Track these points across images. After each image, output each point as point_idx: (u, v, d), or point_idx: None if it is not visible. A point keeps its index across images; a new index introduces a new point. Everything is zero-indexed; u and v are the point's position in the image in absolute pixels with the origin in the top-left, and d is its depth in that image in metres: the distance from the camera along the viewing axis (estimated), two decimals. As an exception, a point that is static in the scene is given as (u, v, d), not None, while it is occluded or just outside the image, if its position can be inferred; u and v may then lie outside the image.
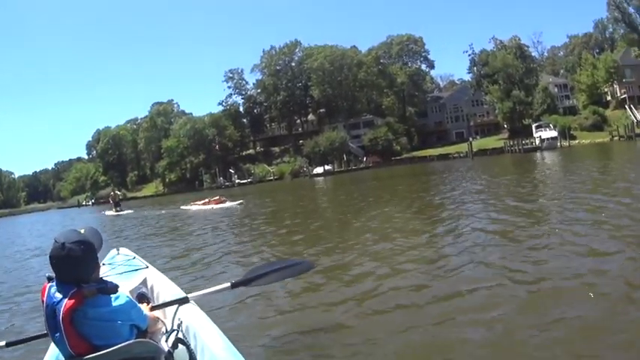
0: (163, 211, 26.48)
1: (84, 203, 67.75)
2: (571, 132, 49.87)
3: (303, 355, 3.81)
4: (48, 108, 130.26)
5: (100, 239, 2.39)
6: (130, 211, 29.65)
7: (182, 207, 25.49)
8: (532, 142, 47.11)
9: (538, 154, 37.76)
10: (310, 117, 64.96)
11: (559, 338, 3.32)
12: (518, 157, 36.00)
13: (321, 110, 63.72)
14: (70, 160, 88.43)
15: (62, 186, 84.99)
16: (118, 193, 39.63)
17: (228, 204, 22.44)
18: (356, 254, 7.02)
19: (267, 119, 65.24)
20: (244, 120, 65.45)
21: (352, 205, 15.41)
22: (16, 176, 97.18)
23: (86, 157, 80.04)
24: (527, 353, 3.21)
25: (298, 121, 65.27)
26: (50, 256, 2.04)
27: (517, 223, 7.55)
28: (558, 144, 45.67)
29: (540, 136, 47.36)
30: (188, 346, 2.66)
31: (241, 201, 22.67)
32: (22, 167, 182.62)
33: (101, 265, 2.86)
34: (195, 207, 23.88)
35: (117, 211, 29.73)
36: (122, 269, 4.17)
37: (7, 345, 2.91)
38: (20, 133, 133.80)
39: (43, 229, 26.60)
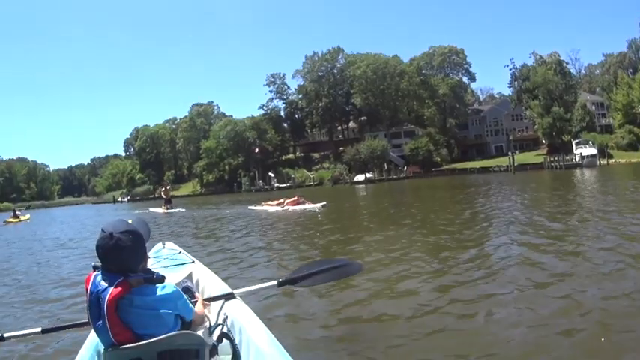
0: (228, 211, 24.51)
1: (119, 200, 67.11)
2: (608, 151, 48.55)
3: (346, 355, 3.77)
4: (87, 105, 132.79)
5: (148, 230, 2.38)
6: (181, 210, 27.49)
7: (250, 207, 23.02)
8: (572, 159, 45.57)
9: (578, 171, 36.54)
10: (351, 124, 63.66)
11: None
12: (559, 174, 34.54)
13: (363, 118, 62.36)
14: (106, 156, 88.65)
15: (97, 181, 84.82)
16: (170, 188, 35.48)
17: (308, 206, 19.83)
18: (410, 261, 6.98)
19: (308, 125, 63.93)
20: (285, 125, 64.42)
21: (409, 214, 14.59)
22: (52, 169, 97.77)
23: (123, 154, 79.71)
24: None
25: (339, 128, 64.02)
26: (97, 246, 2.00)
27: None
28: (598, 162, 44.29)
29: (581, 154, 45.92)
30: (232, 341, 2.63)
31: (324, 203, 19.85)
32: (58, 161, 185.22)
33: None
34: (268, 208, 21.38)
35: (167, 208, 27.37)
36: (167, 263, 4.11)
37: (43, 332, 2.89)
38: (58, 127, 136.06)
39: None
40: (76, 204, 78.04)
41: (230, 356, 2.64)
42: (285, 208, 20.30)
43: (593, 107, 63.56)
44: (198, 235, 14.52)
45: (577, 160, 44.80)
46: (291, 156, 63.47)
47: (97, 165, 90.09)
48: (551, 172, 41.87)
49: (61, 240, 16.56)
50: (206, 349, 2.16)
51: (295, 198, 20.84)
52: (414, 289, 5.39)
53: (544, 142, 60.40)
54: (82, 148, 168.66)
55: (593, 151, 45.66)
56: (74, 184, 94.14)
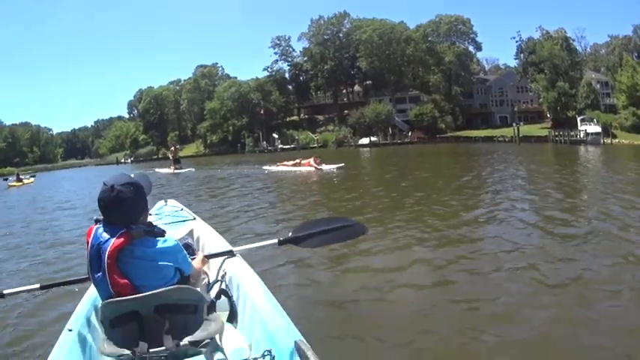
0: (238, 171, 23.91)
1: (122, 161, 66.78)
2: (612, 130, 47.49)
3: (342, 316, 3.91)
4: (90, 67, 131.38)
5: (150, 183, 2.36)
6: (190, 169, 26.89)
7: (265, 167, 22.71)
8: (576, 135, 44.67)
9: (582, 147, 36.20)
10: (356, 88, 63.09)
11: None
12: (563, 148, 34.66)
13: (368, 82, 61.73)
14: (110, 118, 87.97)
15: (101, 143, 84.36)
16: (179, 148, 34.65)
17: (324, 167, 19.66)
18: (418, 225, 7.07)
19: (313, 87, 63.19)
20: (289, 87, 63.84)
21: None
22: (55, 133, 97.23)
23: (127, 116, 78.97)
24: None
25: (344, 91, 63.49)
26: (99, 199, 1.99)
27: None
28: (602, 140, 43.46)
29: (586, 130, 44.91)
30: (230, 298, 2.67)
31: (342, 164, 19.62)
32: (61, 124, 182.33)
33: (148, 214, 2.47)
34: (284, 168, 21.18)
35: (176, 168, 26.65)
36: (169, 220, 4.10)
37: (42, 288, 2.95)
38: (62, 91, 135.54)
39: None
40: (79, 166, 77.67)
41: (227, 313, 2.65)
42: (302, 168, 20.11)
43: (598, 86, 62.81)
44: (207, 194, 14.34)
45: (581, 136, 43.94)
46: (295, 118, 62.99)
47: (101, 127, 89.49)
48: (556, 145, 41.83)
49: (62, 201, 16.82)
50: (204, 304, 2.12)
51: (312, 159, 20.57)
52: (417, 256, 5.45)
53: (548, 115, 59.89)
54: (86, 111, 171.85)
55: (598, 129, 44.97)
56: (77, 147, 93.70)
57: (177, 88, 71.21)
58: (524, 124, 60.25)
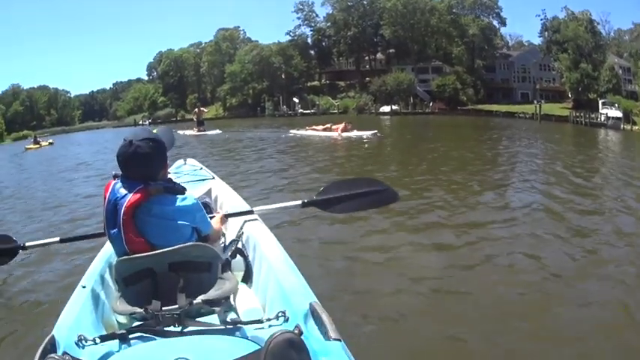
0: (264, 134, 23.57)
1: (140, 122, 66.32)
2: (632, 117, 46.96)
3: (358, 284, 3.89)
4: (110, 29, 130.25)
5: (172, 138, 2.53)
6: (216, 132, 26.10)
7: (293, 131, 22.24)
8: (597, 118, 43.93)
9: (602, 130, 35.96)
10: (379, 56, 62.14)
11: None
12: (584, 130, 34.84)
13: (391, 50, 60.78)
14: (129, 80, 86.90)
15: (119, 105, 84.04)
16: (204, 110, 32.63)
17: (356, 132, 19.17)
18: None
19: (335, 53, 62.14)
20: (311, 52, 63.09)
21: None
22: (73, 95, 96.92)
23: (146, 78, 78.42)
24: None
25: (366, 58, 62.47)
26: (118, 154, 1.96)
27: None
28: (622, 125, 42.19)
29: (607, 114, 44.07)
30: (246, 258, 2.65)
31: (375, 131, 19.03)
32: (79, 86, 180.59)
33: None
34: (313, 133, 20.60)
35: (200, 130, 25.74)
36: (188, 179, 4.04)
37: (61, 241, 3.09)
38: (80, 54, 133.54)
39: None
40: (97, 128, 77.74)
41: (242, 273, 2.62)
42: (331, 133, 19.57)
43: (620, 71, 61.45)
44: (234, 157, 14.15)
45: (602, 119, 43.17)
46: (316, 83, 62.25)
47: (119, 89, 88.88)
48: (576, 126, 41.54)
49: (81, 161, 17.17)
50: (219, 263, 2.09)
51: (343, 124, 19.96)
52: (438, 233, 5.33)
53: (570, 96, 59.09)
54: (105, 73, 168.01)
55: (619, 113, 43.92)
56: (95, 109, 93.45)
57: (198, 50, 70.38)
58: (545, 102, 59.60)
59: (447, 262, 4.41)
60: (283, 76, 58.71)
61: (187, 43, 74.66)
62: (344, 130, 19.42)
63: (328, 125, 20.64)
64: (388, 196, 3.26)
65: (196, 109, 29.58)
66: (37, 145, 30.56)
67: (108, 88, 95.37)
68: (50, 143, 33.11)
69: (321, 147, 16.18)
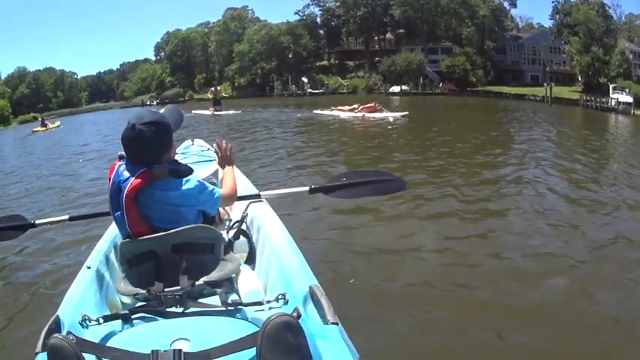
0: (286, 115, 22.57)
1: (148, 103, 65.84)
2: (643, 102, 46.71)
3: (362, 267, 3.83)
4: (115, 10, 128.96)
5: (180, 118, 2.40)
6: (233, 111, 24.98)
7: (316, 112, 21.31)
8: (608, 102, 42.63)
9: (613, 115, 35.05)
10: (388, 36, 61.39)
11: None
12: (593, 114, 34.31)
13: (400, 31, 59.97)
14: (136, 60, 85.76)
15: (126, 86, 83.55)
16: (220, 89, 31.46)
17: (385, 114, 18.22)
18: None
19: (344, 33, 61.37)
20: (320, 31, 62.33)
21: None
22: (79, 76, 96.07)
23: (153, 58, 77.27)
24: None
25: (376, 38, 61.83)
26: (121, 138, 1.95)
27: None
28: (632, 111, 41.08)
29: (617, 99, 42.96)
30: (250, 239, 2.64)
31: (406, 112, 18.12)
32: (86, 68, 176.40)
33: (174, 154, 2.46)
34: (339, 113, 19.57)
35: (216, 110, 24.71)
36: (195, 159, 4.09)
37: (71, 219, 3.23)
38: (87, 35, 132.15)
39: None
40: (104, 109, 77.29)
41: (246, 254, 2.60)
42: (359, 114, 18.53)
43: (631, 56, 60.85)
44: (254, 139, 13.56)
45: (613, 104, 41.97)
46: (325, 62, 61.62)
47: (127, 70, 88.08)
48: (586, 110, 40.82)
49: (86, 143, 17.31)
50: (222, 244, 2.05)
51: (372, 104, 19.02)
52: (446, 218, 5.23)
53: (580, 79, 58.31)
54: (112, 54, 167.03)
55: (630, 99, 42.70)
56: (102, 90, 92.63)
57: (206, 30, 69.52)
58: (555, 85, 59.00)
59: (454, 249, 4.32)
60: (292, 56, 58.11)
61: (195, 23, 73.70)
62: (373, 110, 18.46)
63: (355, 106, 19.53)
64: (396, 185, 3.34)
65: (212, 88, 28.60)
66: (45, 128, 30.37)
67: (115, 68, 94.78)
68: (58, 124, 33.10)
69: (349, 128, 15.53)
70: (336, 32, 61.92)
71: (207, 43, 67.72)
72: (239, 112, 24.96)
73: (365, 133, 14.70)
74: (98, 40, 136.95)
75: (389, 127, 15.98)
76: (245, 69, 60.36)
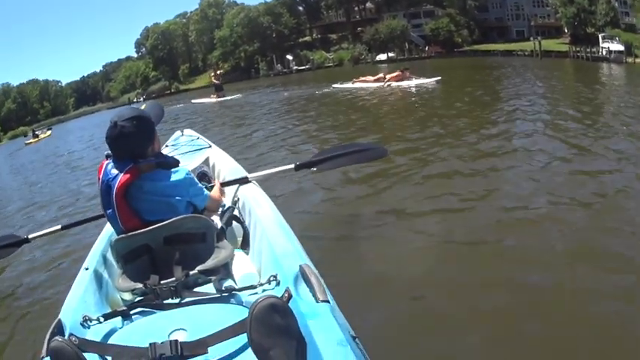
0: (316, 92, 20.19)
1: (135, 100, 64.98)
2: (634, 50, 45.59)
3: (352, 243, 3.84)
4: (92, 12, 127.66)
5: (161, 111, 2.40)
6: (237, 95, 23.34)
7: (335, 86, 19.28)
8: (598, 52, 42.02)
9: (605, 65, 34.50)
10: (368, 5, 60.16)
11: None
12: (586, 65, 33.68)
13: (380, -2, 58.71)
14: (118, 60, 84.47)
15: (111, 86, 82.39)
16: (220, 72, 28.72)
17: (416, 81, 16.34)
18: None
19: (324, 7, 60.54)
20: (300, 8, 61.24)
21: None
22: (64, 83, 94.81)
23: (135, 55, 76.07)
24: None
25: (356, 8, 60.66)
26: (106, 137, 1.97)
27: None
28: (624, 59, 40.21)
29: (608, 48, 42.31)
30: (242, 223, 2.66)
31: (439, 77, 16.22)
32: (69, 74, 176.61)
33: (164, 147, 2.82)
34: (364, 85, 17.61)
35: (219, 96, 23.04)
36: (185, 149, 4.11)
37: (63, 228, 3.25)
38: (65, 40, 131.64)
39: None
40: (92, 112, 76.27)
41: (240, 239, 2.61)
42: (387, 84, 16.69)
43: (617, 4, 59.89)
44: (266, 123, 12.44)
45: (604, 53, 41.38)
46: (307, 38, 60.51)
47: (110, 70, 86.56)
48: (577, 61, 40.01)
49: (74, 149, 17.34)
50: (214, 232, 2.05)
51: (398, 72, 17.05)
52: (441, 189, 4.97)
53: (566, 31, 56.69)
54: (93, 57, 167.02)
55: (621, 47, 42.11)
56: (88, 94, 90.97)
57: (184, 21, 68.46)
58: (542, 38, 58.40)
59: (450, 222, 4.14)
60: (274, 35, 57.08)
61: (173, 14, 73.60)
62: (401, 78, 16.62)
63: (381, 75, 17.71)
64: (377, 152, 3.40)
65: (212, 73, 26.39)
66: (37, 139, 30.72)
67: (98, 70, 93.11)
68: (49, 134, 33.43)
69: (381, 103, 13.96)
70: (316, 7, 60.85)
71: (187, 33, 66.74)
72: (240, 95, 23.54)
73: (402, 106, 13.14)
74: (78, 45, 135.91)
75: (425, 95, 14.43)
76: (228, 54, 59.43)
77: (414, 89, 15.71)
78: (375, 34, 53.39)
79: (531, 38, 53.78)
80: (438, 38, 55.09)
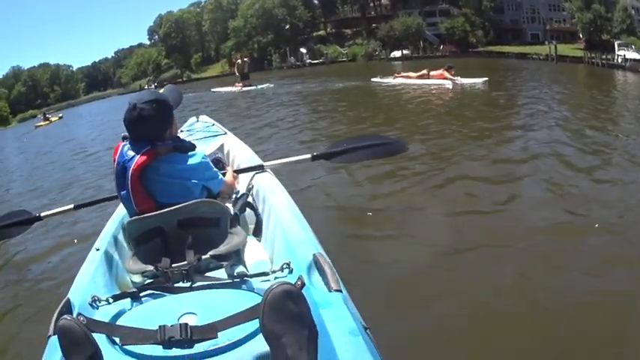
0: (353, 84, 19.67)
1: (146, 87, 64.52)
2: (649, 58, 45.06)
3: (366, 234, 3.85)
4: None
5: (179, 96, 2.43)
6: (267, 85, 21.39)
7: (375, 80, 18.41)
8: (614, 59, 40.00)
9: (621, 72, 33.07)
10: (384, 1, 59.71)
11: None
12: (600, 71, 32.58)
13: (396, -6, 58.25)
14: (130, 46, 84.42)
15: (123, 72, 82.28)
16: (247, 60, 24.99)
17: (461, 80, 15.27)
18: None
19: (339, 1, 60.19)
20: (315, 1, 60.72)
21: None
22: (75, 68, 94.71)
23: (148, 42, 76.07)
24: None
25: (371, 4, 60.21)
26: (124, 118, 1.96)
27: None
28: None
29: (624, 56, 42.02)
30: (256, 211, 2.65)
31: (486, 78, 15.26)
32: (81, 59, 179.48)
33: (179, 132, 2.66)
34: (403, 81, 16.73)
35: (244, 85, 20.91)
36: (200, 135, 4.13)
37: (76, 207, 3.20)
38: (78, 25, 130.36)
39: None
40: (102, 98, 76.13)
41: (253, 226, 2.61)
42: (431, 81, 15.73)
43: (634, 12, 59.34)
44: (315, 122, 11.62)
45: (619, 61, 39.44)
46: (322, 32, 59.97)
47: (122, 57, 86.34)
48: (592, 67, 38.63)
49: (88, 131, 17.82)
50: (227, 218, 2.04)
51: (443, 71, 15.92)
52: (453, 185, 5.00)
53: (581, 36, 56.11)
54: (105, 42, 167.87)
55: (637, 55, 41.12)
56: (99, 79, 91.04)
57: (199, 10, 68.05)
58: (556, 42, 57.86)
59: (465, 220, 4.16)
60: (288, 28, 56.79)
61: (187, 3, 72.82)
62: (443, 76, 15.58)
63: (424, 71, 16.55)
64: (397, 147, 3.27)
65: (239, 60, 22.86)
66: (47, 122, 30.60)
67: (110, 56, 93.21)
68: (60, 118, 33.40)
69: (421, 101, 13.18)
70: (331, 1, 60.31)
71: (200, 22, 66.22)
72: (271, 85, 21.64)
73: (448, 107, 12.36)
74: (91, 31, 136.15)
75: (472, 96, 13.62)
76: (241, 45, 58.80)
77: (460, 88, 14.89)
78: (390, 30, 53.01)
79: (546, 42, 53.40)
80: (453, 37, 54.77)
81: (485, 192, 4.81)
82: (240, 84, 21.45)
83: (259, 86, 21.22)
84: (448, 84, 15.35)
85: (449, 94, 14.25)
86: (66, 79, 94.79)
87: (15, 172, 11.38)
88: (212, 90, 24.01)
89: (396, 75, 17.91)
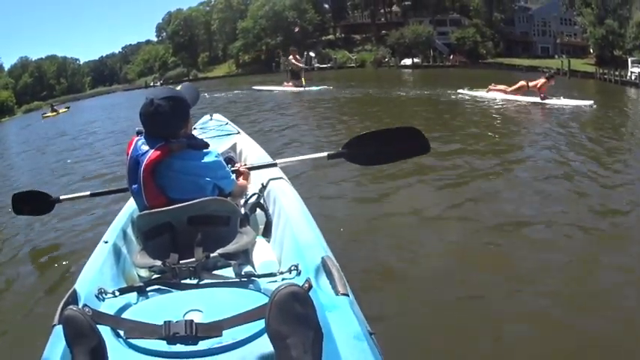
0: (411, 92, 17.84)
1: (151, 84, 64.05)
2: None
3: (379, 238, 3.73)
4: None
5: (197, 95, 2.34)
6: (322, 87, 18.74)
7: (462, 91, 15.60)
8: (626, 76, 38.43)
9: (633, 89, 31.56)
10: (394, 8, 59.05)
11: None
12: (612, 88, 31.39)
13: (407, 3, 58.04)
14: (138, 43, 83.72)
15: (129, 69, 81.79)
16: (300, 58, 21.55)
17: (562, 101, 12.31)
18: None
19: (350, 6, 59.66)
20: (325, 5, 60.35)
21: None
22: (82, 62, 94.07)
23: (155, 39, 75.69)
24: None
25: (382, 11, 59.65)
26: (140, 113, 1.95)
27: None
28: None
29: (638, 73, 40.97)
30: (266, 211, 2.64)
31: (592, 102, 12.27)
32: (88, 53, 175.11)
33: (192, 129, 2.53)
34: (498, 95, 13.95)
35: (296, 85, 18.46)
36: (213, 134, 4.09)
37: (91, 195, 3.46)
38: (86, 19, 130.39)
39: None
40: (107, 93, 75.41)
41: (262, 227, 2.60)
42: (531, 99, 12.91)
43: None
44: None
45: (632, 78, 39.62)
46: (331, 37, 59.48)
47: (129, 52, 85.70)
48: (604, 83, 36.75)
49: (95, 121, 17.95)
50: (238, 217, 2.05)
51: (544, 79, 12.76)
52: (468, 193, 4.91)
53: (592, 51, 55.41)
54: (113, 38, 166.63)
55: None
56: (105, 74, 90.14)
57: (208, 9, 67.53)
58: (566, 57, 56.93)
59: (474, 226, 4.01)
60: (297, 31, 56.07)
61: (197, 1, 71.72)
62: (544, 96, 12.47)
63: (523, 83, 13.37)
64: (419, 145, 3.02)
65: (290, 57, 19.66)
66: (55, 113, 30.72)
67: (117, 52, 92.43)
68: (67, 108, 33.71)
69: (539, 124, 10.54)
70: (342, 6, 59.83)
71: (209, 22, 65.72)
72: (327, 87, 18.81)
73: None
74: (99, 25, 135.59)
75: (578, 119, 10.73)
76: (250, 46, 58.52)
77: (566, 110, 11.78)
78: (400, 37, 52.51)
79: (556, 56, 52.71)
80: (464, 48, 54.23)
81: (500, 204, 4.64)
82: (290, 83, 18.93)
83: (314, 88, 18.43)
84: (552, 103, 12.44)
85: (558, 117, 10.88)
86: (72, 72, 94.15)
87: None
88: (254, 88, 21.62)
89: (491, 88, 14.82)
